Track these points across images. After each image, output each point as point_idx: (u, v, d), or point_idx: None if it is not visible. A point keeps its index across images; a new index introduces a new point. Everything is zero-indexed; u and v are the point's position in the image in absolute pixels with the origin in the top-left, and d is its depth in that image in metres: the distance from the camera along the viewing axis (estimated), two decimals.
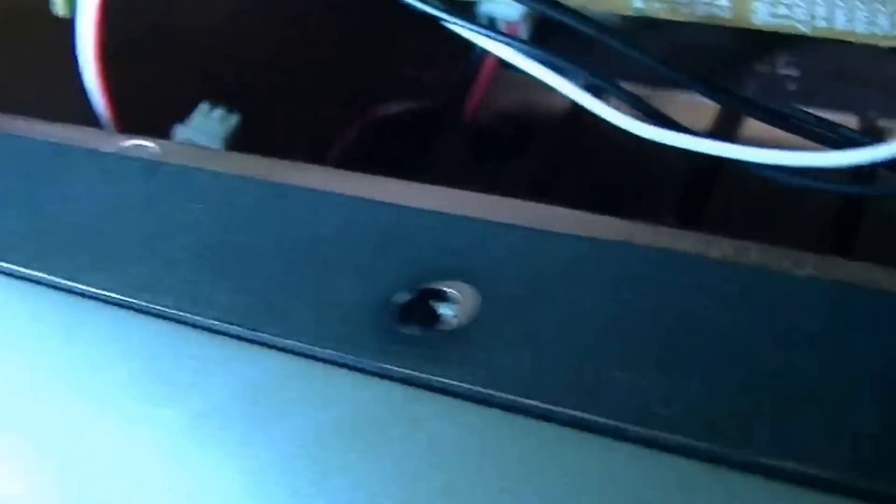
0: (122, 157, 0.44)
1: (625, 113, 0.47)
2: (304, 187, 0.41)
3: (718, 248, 0.37)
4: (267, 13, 0.66)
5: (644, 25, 0.52)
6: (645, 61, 0.46)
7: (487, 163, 0.72)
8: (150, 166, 0.43)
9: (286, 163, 0.42)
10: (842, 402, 0.32)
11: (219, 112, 0.55)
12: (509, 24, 0.65)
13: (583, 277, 0.37)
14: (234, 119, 0.55)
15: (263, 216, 0.41)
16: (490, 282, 0.37)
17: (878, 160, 0.41)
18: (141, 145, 0.44)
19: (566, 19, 0.48)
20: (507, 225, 0.39)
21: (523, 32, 0.65)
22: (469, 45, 0.51)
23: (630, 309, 0.36)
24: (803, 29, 0.48)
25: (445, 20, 0.48)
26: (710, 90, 0.46)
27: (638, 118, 0.46)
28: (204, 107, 0.55)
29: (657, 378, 0.34)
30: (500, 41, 0.48)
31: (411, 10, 0.48)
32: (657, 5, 0.50)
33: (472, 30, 0.48)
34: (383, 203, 0.40)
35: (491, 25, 0.63)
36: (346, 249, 0.39)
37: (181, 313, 0.39)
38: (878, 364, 0.33)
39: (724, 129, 0.67)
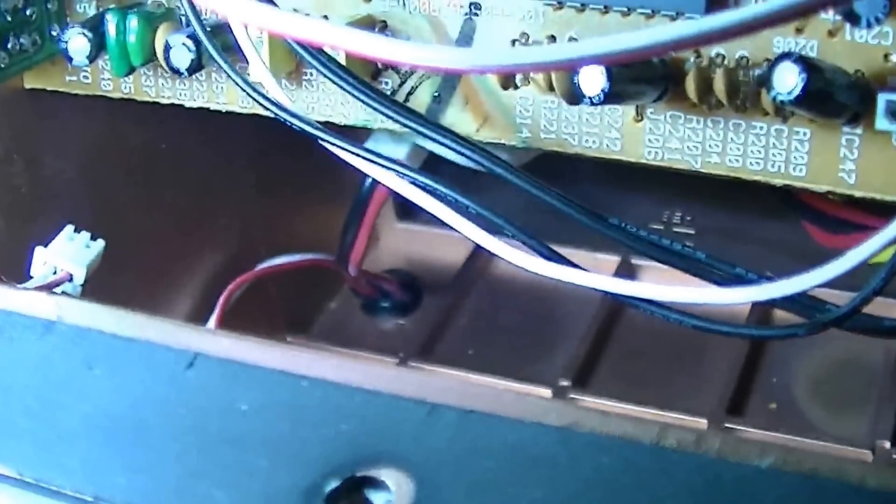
0: (13, 314, 0.40)
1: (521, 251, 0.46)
2: (216, 357, 0.37)
3: (675, 436, 0.34)
4: (149, 151, 0.63)
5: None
6: (542, 196, 0.46)
7: (377, 319, 0.71)
8: (44, 325, 0.39)
9: (195, 328, 0.39)
10: None
11: (83, 236, 0.51)
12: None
13: (523, 463, 0.34)
14: (98, 246, 0.51)
15: (171, 386, 0.37)
16: (425, 467, 0.34)
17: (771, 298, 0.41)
18: (37, 298, 0.40)
19: (458, 148, 0.47)
20: (442, 405, 0.35)
21: None
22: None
23: (578, 499, 0.33)
24: (695, 165, 0.47)
25: (332, 144, 0.47)
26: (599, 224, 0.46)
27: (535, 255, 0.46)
28: (68, 229, 0.51)
29: None
30: (390, 169, 0.47)
31: (301, 133, 0.47)
32: (545, 137, 0.49)
33: (365, 158, 0.47)
34: (305, 377, 0.37)
35: None
36: (266, 428, 0.35)
37: (77, 495, 0.35)
38: None
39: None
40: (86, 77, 0.55)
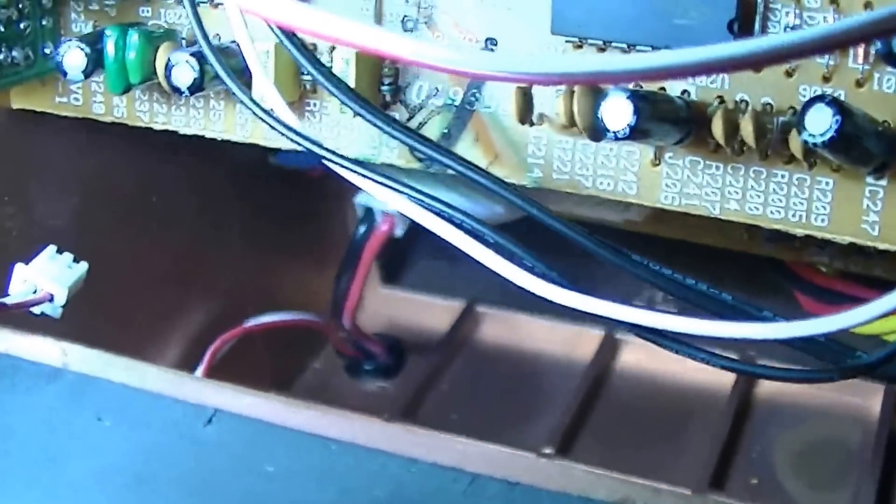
0: (18, 359, 0.37)
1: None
2: (237, 414, 0.35)
3: None
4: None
5: None
6: (562, 229, 0.44)
7: (360, 381, 0.69)
8: (50, 372, 0.36)
9: (213, 382, 0.36)
10: None
11: (66, 257, 0.49)
12: (386, 214, 0.63)
13: None
14: (81, 268, 0.49)
15: (189, 442, 0.34)
16: None
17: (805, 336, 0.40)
18: (41, 344, 0.37)
19: (473, 175, 0.45)
20: (483, 476, 0.33)
21: (400, 227, 0.63)
22: None
23: None
24: (714, 211, 0.46)
25: (342, 167, 0.45)
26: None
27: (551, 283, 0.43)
28: (50, 249, 0.49)
29: None
30: (403, 193, 0.45)
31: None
32: (557, 178, 0.48)
33: (377, 181, 0.45)
34: (334, 440, 0.34)
35: (368, 215, 0.62)
36: (294, 492, 0.32)
37: None
38: None
39: None
40: (76, 99, 0.53)
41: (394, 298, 0.74)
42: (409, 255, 0.72)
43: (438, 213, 0.44)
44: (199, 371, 0.58)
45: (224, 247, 0.66)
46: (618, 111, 0.42)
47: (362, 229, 0.62)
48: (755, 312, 0.44)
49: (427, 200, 0.45)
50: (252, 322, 0.62)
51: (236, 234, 0.66)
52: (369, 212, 0.62)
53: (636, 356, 0.69)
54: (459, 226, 0.44)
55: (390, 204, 0.45)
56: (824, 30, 0.28)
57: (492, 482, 0.33)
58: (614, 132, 0.42)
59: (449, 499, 0.33)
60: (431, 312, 0.72)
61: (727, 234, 0.61)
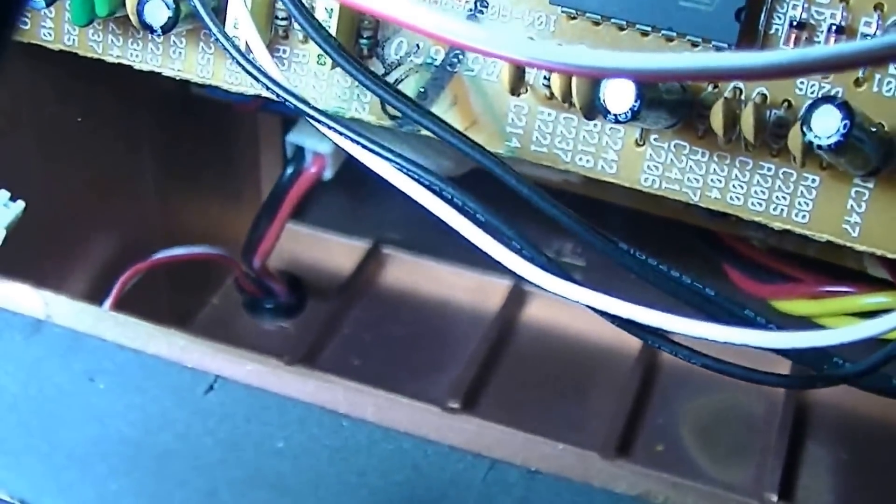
0: None
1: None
2: (240, 382, 0.32)
3: None
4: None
5: None
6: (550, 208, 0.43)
7: (259, 319, 0.67)
8: (32, 324, 0.33)
9: (213, 345, 0.33)
10: None
11: (2, 195, 0.47)
12: (317, 156, 0.61)
13: None
14: (18, 207, 0.47)
15: (190, 411, 0.31)
16: None
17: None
18: (20, 291, 0.34)
19: (450, 138, 0.43)
20: (503, 463, 0.32)
21: (329, 169, 0.61)
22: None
23: None
24: (693, 198, 0.45)
25: (321, 122, 0.43)
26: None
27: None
28: None
29: None
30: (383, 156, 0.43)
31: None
32: (536, 150, 0.46)
33: (352, 139, 0.43)
34: (346, 416, 0.32)
35: (298, 154, 0.61)
36: (309, 471, 0.30)
37: None
38: None
39: None
40: (24, 22, 0.50)
41: (297, 235, 0.71)
42: (314, 191, 0.70)
43: (418, 180, 0.43)
44: (108, 303, 0.55)
45: (135, 176, 0.63)
46: (621, 93, 0.41)
47: (290, 169, 0.60)
48: (737, 310, 0.43)
49: (407, 166, 0.42)
50: (162, 254, 0.60)
51: (149, 167, 0.64)
52: (300, 151, 0.60)
53: (544, 309, 0.68)
54: (439, 194, 0.43)
55: (367, 163, 0.43)
56: None
57: (511, 469, 0.32)
58: (615, 114, 0.41)
59: (470, 485, 0.31)
60: (335, 252, 0.71)
61: (663, 201, 0.60)
